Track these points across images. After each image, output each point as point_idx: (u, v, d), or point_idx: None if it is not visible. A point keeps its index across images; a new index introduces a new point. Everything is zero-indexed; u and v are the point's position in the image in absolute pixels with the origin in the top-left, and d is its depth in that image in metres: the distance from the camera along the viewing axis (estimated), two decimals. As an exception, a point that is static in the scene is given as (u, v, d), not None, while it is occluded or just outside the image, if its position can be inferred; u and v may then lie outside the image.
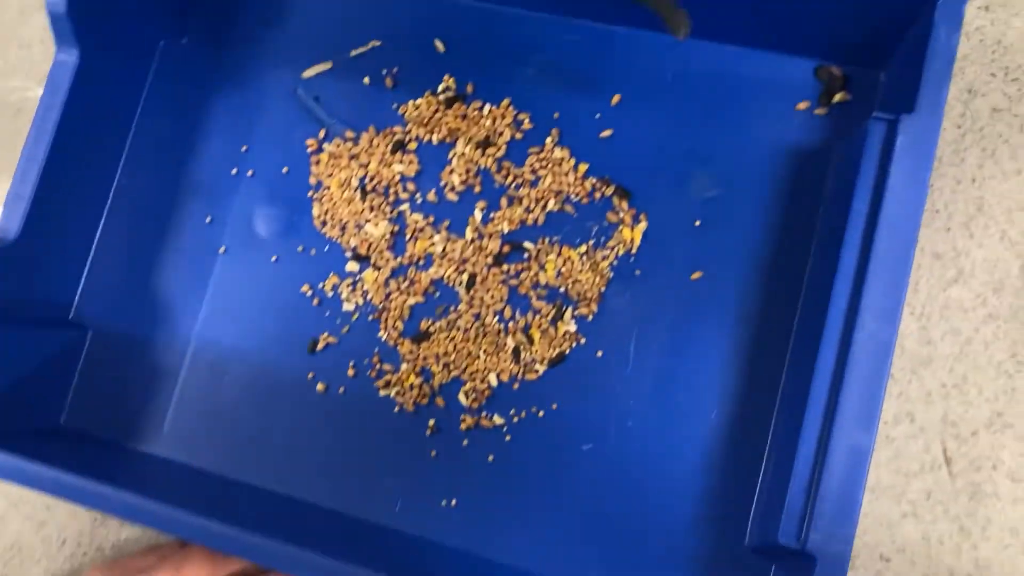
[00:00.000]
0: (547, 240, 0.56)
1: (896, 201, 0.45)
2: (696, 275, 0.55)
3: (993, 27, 0.56)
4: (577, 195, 0.56)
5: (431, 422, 0.55)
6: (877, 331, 0.44)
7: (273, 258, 0.58)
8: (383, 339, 0.56)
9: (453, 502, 0.54)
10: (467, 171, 0.57)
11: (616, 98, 0.57)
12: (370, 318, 0.57)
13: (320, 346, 0.57)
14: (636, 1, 0.48)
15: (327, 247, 0.58)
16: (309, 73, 0.60)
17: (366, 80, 0.59)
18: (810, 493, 0.45)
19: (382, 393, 0.56)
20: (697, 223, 0.55)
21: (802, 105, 0.55)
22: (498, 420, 0.55)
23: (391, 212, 0.58)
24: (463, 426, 0.55)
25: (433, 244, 0.57)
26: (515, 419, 0.55)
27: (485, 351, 0.55)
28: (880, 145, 0.47)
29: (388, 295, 0.57)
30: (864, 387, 0.44)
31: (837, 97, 0.55)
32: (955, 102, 0.55)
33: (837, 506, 0.44)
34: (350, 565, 0.45)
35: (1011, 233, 0.54)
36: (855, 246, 0.47)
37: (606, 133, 0.57)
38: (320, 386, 0.57)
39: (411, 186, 0.58)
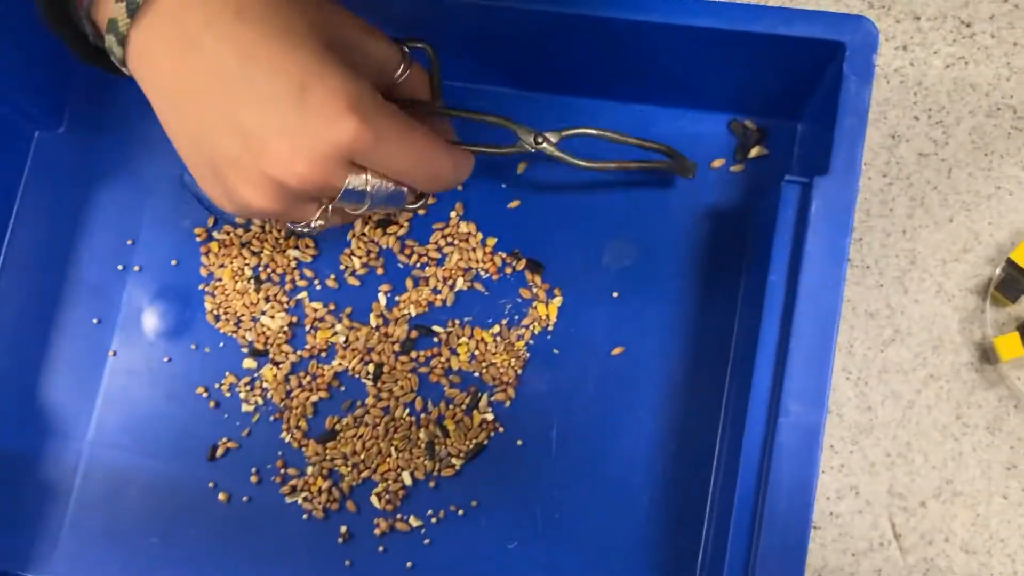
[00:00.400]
0: (457, 322, 0.52)
1: (814, 272, 0.42)
2: (617, 350, 0.51)
3: (913, 67, 0.53)
4: (487, 271, 0.53)
5: (343, 529, 0.51)
6: (802, 416, 0.41)
7: (166, 358, 0.54)
8: (286, 441, 0.52)
9: (371, 616, 0.50)
10: (368, 252, 0.53)
11: (522, 166, 0.53)
12: (272, 418, 0.53)
13: (220, 452, 0.53)
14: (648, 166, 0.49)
15: (222, 343, 0.54)
16: (196, 156, 0.56)
17: (256, 161, 0.55)
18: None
19: (288, 500, 0.52)
20: (615, 294, 0.52)
21: (717, 163, 0.52)
22: (415, 522, 0.51)
23: (288, 302, 0.54)
24: (378, 531, 0.51)
25: (335, 334, 0.53)
26: (433, 520, 0.51)
27: (397, 447, 0.51)
28: (795, 210, 0.44)
29: (289, 392, 0.53)
30: (793, 477, 0.40)
31: (753, 152, 0.52)
32: (879, 149, 0.52)
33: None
34: None
35: (947, 286, 0.50)
36: (774, 322, 0.43)
37: (513, 204, 0.53)
38: (222, 496, 0.52)
39: (309, 272, 0.54)
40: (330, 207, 0.40)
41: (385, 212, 0.43)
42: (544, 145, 0.46)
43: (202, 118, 0.37)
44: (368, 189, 0.39)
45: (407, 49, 0.45)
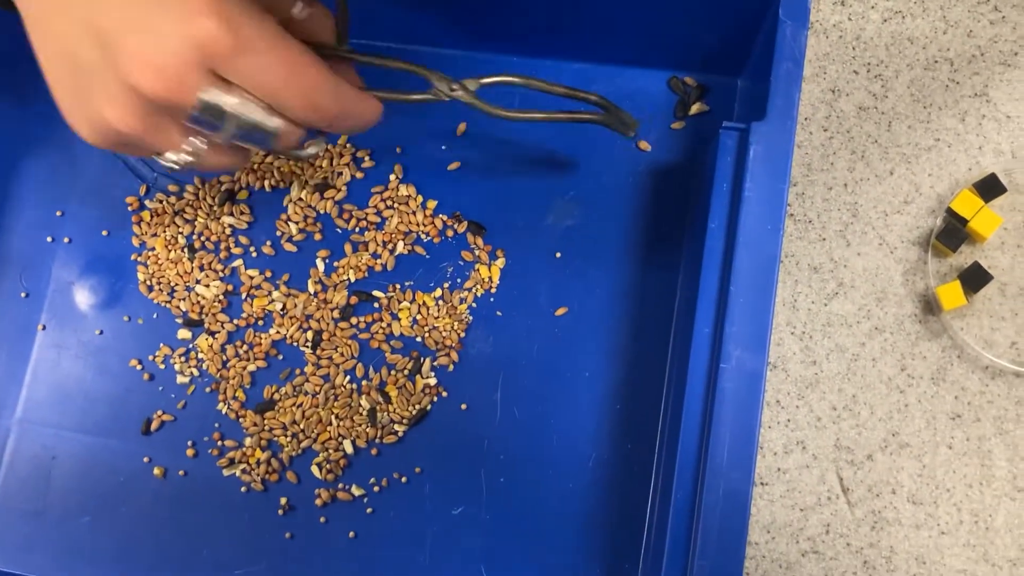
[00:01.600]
0: (398, 287, 0.51)
1: (753, 217, 0.41)
2: (561, 311, 0.50)
3: (851, 22, 0.52)
4: (428, 235, 0.52)
5: (283, 500, 0.50)
6: (744, 361, 0.40)
7: (97, 331, 0.52)
8: (223, 412, 0.51)
9: (313, 588, 0.49)
10: (305, 218, 0.52)
11: (462, 127, 0.53)
12: (207, 390, 0.51)
13: (155, 426, 0.51)
14: (585, 118, 0.44)
15: (155, 314, 0.52)
16: (127, 124, 0.54)
17: (189, 127, 0.54)
18: (690, 542, 0.40)
19: (227, 473, 0.50)
20: (558, 255, 0.51)
21: (659, 120, 0.51)
22: (357, 491, 0.49)
23: (223, 270, 0.52)
24: (319, 502, 0.49)
25: (272, 302, 0.51)
26: (376, 488, 0.49)
27: (338, 416, 0.50)
28: (733, 156, 0.43)
29: (226, 362, 0.51)
30: (736, 424, 0.40)
31: (694, 109, 0.51)
32: (820, 104, 0.52)
33: (719, 555, 0.39)
34: None
35: (889, 238, 0.50)
36: (715, 269, 0.42)
37: (454, 166, 0.52)
38: (158, 470, 0.51)
39: (244, 239, 0.52)
40: (197, 136, 0.37)
41: (265, 150, 0.39)
42: (460, 93, 0.43)
43: (64, 31, 0.35)
44: (227, 109, 0.35)
45: None
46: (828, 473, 0.48)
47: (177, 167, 0.39)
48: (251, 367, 0.51)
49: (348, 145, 0.53)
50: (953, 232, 0.49)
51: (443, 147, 0.52)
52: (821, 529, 0.48)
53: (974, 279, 0.48)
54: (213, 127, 0.36)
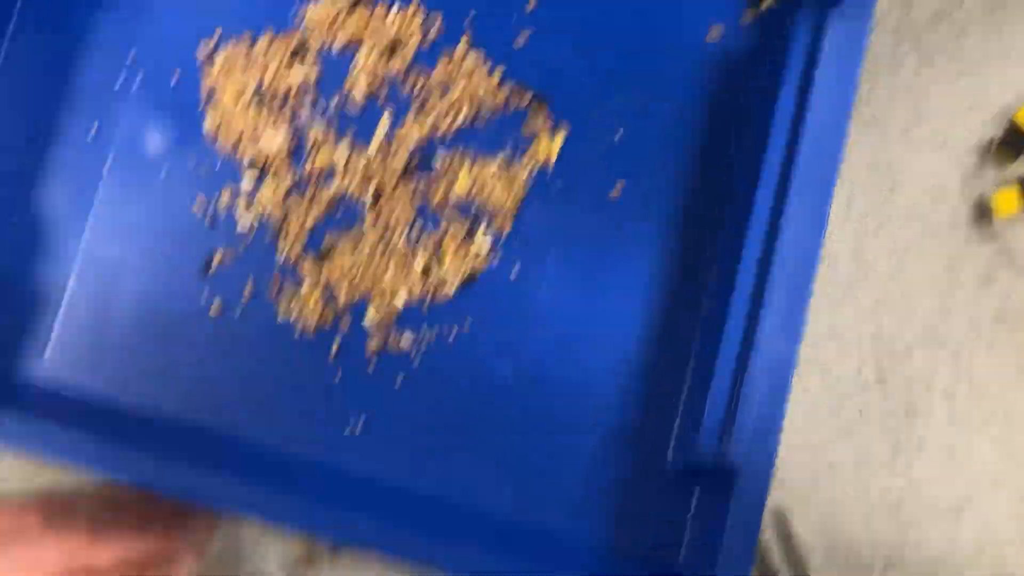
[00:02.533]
0: (459, 152, 0.52)
1: (822, 103, 0.42)
2: (616, 191, 0.51)
3: (933, -75, 0.52)
4: (491, 103, 0.52)
5: (334, 347, 0.51)
6: (800, 239, 0.42)
7: (163, 174, 0.54)
8: (282, 258, 0.52)
9: (358, 429, 0.51)
10: (372, 79, 0.53)
11: (532, 2, 0.53)
12: (268, 238, 0.53)
13: (215, 267, 0.53)
14: None
15: (220, 162, 0.53)
16: (202, -27, 0.55)
17: (264, -21, 0.55)
18: (731, 407, 0.42)
19: (282, 315, 0.52)
20: (619, 135, 0.51)
21: (730, 13, 0.52)
22: (406, 343, 0.51)
23: (290, 123, 0.53)
24: (369, 350, 0.51)
25: (335, 157, 0.52)
26: (424, 342, 0.51)
27: (392, 270, 0.51)
28: (806, 48, 0.44)
29: (287, 211, 0.52)
30: (789, 294, 0.41)
31: (766, 2, 0.51)
32: (892, 7, 0.52)
33: (759, 421, 0.41)
34: (250, 490, 0.43)
35: (950, 142, 0.51)
36: (779, 153, 0.43)
37: (523, 36, 0.53)
38: (214, 311, 0.52)
39: (311, 96, 0.53)
40: None
41: None
42: None
43: None
44: None
45: None
46: (866, 363, 0.49)
47: None
48: (312, 218, 0.52)
49: (420, 7, 0.53)
50: (1014, 142, 0.49)
51: (514, 16, 0.53)
52: (854, 414, 0.49)
53: (1030, 187, 0.49)
54: None
